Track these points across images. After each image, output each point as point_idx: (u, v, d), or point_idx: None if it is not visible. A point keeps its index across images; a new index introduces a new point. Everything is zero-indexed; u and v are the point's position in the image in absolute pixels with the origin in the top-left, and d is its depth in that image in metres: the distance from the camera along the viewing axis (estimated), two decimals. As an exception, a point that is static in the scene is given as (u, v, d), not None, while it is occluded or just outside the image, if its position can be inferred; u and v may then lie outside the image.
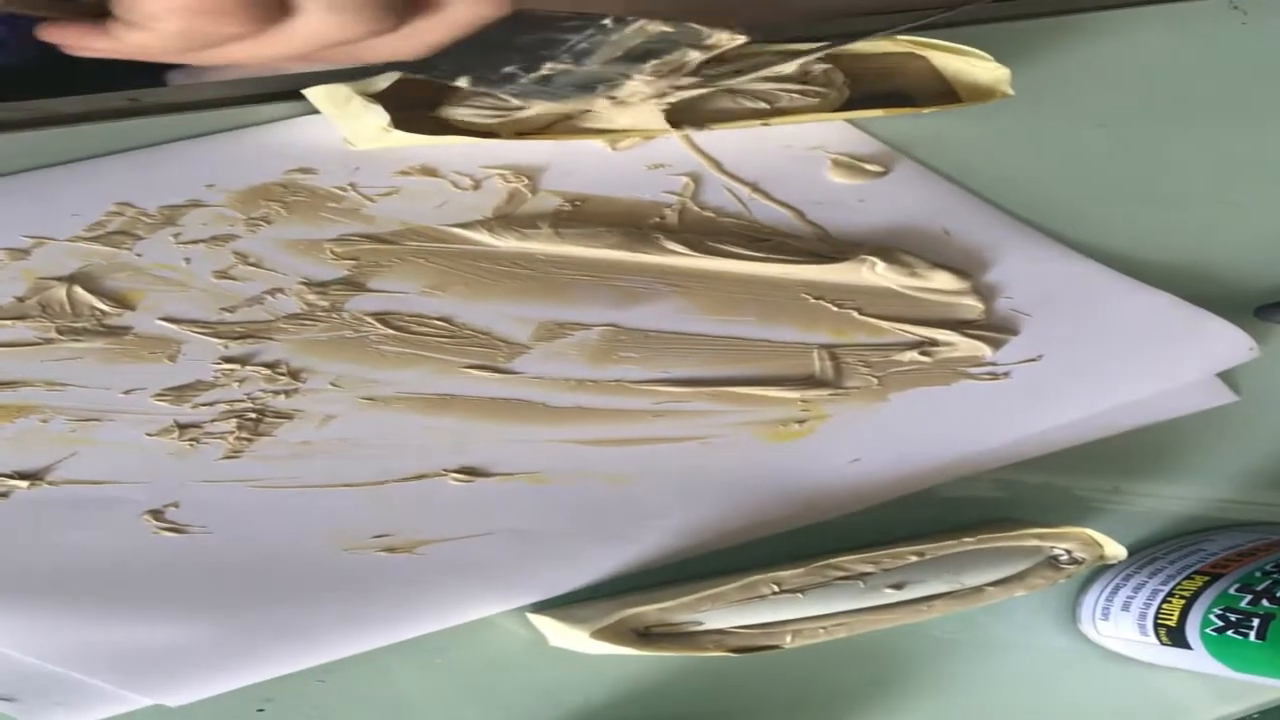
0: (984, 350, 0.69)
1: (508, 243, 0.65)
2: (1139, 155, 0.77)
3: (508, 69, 0.63)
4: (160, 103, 0.63)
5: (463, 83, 0.63)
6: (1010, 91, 0.73)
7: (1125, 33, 0.77)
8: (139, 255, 0.60)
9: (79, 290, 0.58)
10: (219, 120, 0.64)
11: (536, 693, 0.57)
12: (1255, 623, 0.63)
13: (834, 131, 0.73)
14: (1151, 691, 0.65)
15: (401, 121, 0.64)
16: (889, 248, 0.70)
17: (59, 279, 0.58)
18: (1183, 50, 0.75)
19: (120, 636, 0.52)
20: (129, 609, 0.53)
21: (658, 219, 0.68)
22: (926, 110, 0.72)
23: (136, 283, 0.59)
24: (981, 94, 0.74)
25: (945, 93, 0.74)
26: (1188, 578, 0.65)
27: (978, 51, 0.74)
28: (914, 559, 0.62)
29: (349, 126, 0.64)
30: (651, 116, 0.66)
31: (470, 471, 0.59)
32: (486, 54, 0.62)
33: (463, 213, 0.65)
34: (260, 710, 0.54)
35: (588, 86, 0.64)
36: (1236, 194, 0.78)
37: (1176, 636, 0.64)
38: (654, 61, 0.64)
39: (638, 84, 0.64)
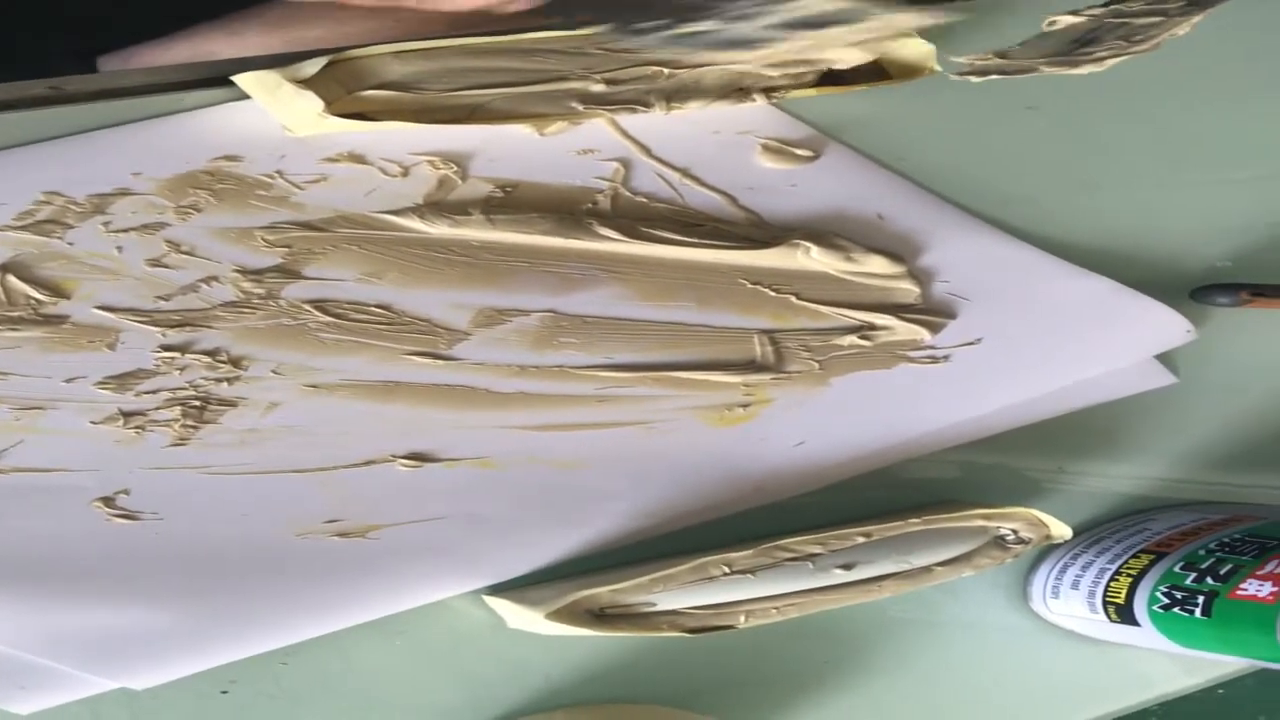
0: (923, 334, 0.77)
1: (440, 229, 0.72)
2: (1072, 138, 0.85)
3: (646, 24, 0.70)
4: (82, 90, 0.70)
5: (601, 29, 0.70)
6: (937, 67, 0.81)
7: (1052, 10, 0.85)
8: (70, 244, 0.67)
9: (12, 279, 0.65)
10: (142, 108, 0.71)
11: (498, 673, 0.65)
12: (1200, 600, 0.72)
13: (761, 115, 0.81)
14: (1106, 667, 0.73)
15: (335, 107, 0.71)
16: (823, 232, 0.78)
17: (-9, 268, 0.65)
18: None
19: (83, 621, 0.60)
20: (89, 594, 0.60)
21: (590, 205, 0.76)
22: (856, 89, 0.80)
23: (70, 271, 0.66)
24: (909, 71, 0.82)
25: (872, 71, 0.82)
26: (1134, 556, 0.74)
27: (902, 27, 0.82)
28: (861, 540, 0.71)
29: (283, 113, 0.71)
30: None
31: (418, 457, 0.67)
32: (636, 8, 0.69)
33: (393, 200, 0.73)
34: (224, 692, 0.61)
35: (727, 45, 0.71)
36: (1171, 177, 0.87)
37: (1125, 614, 0.73)
38: (838, 28, 0.71)
39: (790, 46, 0.71)
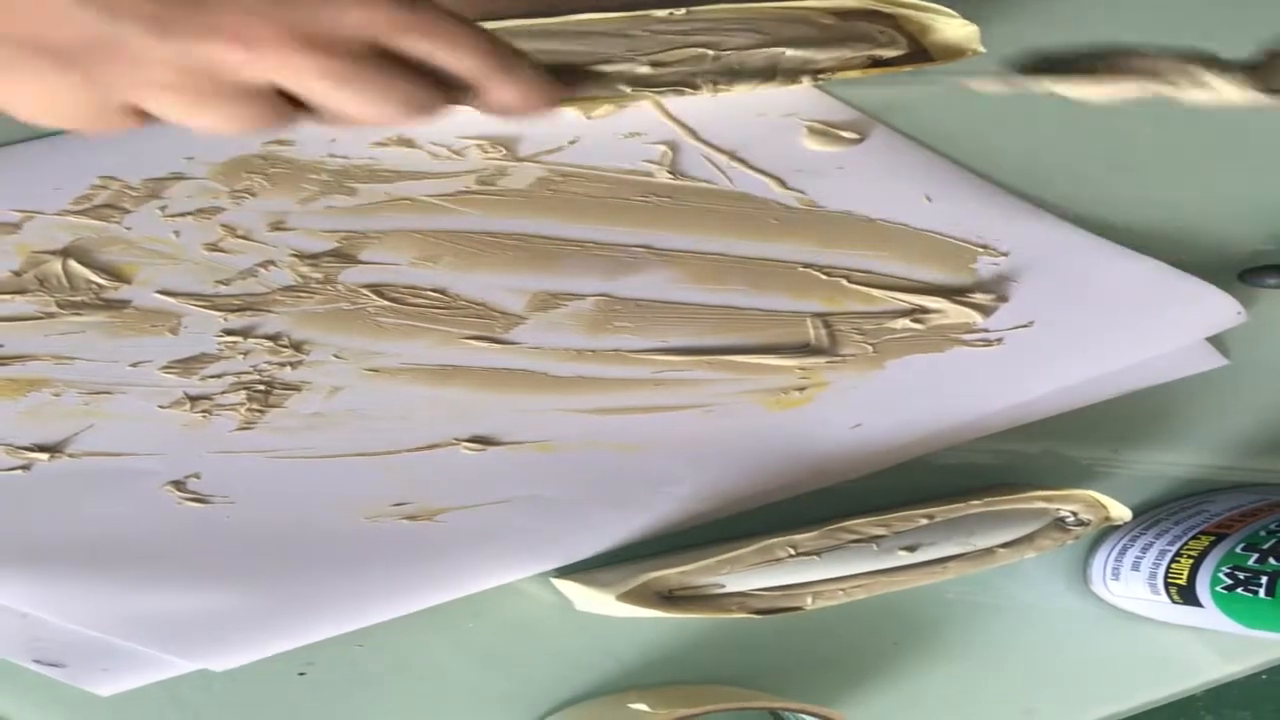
0: (975, 317, 0.80)
1: (492, 214, 0.75)
2: (1116, 118, 0.88)
3: None
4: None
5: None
6: (981, 49, 0.83)
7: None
8: (128, 229, 0.69)
9: (74, 264, 0.68)
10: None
11: (568, 655, 0.68)
12: (1264, 580, 0.75)
13: (806, 98, 0.84)
14: (1160, 650, 0.77)
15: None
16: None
17: (52, 253, 0.68)
18: (1156, 9, 0.87)
19: (161, 604, 0.62)
20: (166, 577, 0.63)
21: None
22: (899, 70, 0.83)
23: (129, 256, 0.69)
24: (952, 52, 0.84)
25: (915, 53, 0.85)
26: (1194, 538, 0.77)
27: (943, 9, 0.84)
28: (924, 522, 0.74)
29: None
30: None
31: (481, 440, 0.70)
32: None
33: (444, 184, 0.76)
34: (302, 674, 0.64)
35: None
36: (1218, 158, 0.90)
37: (1188, 595, 0.76)
38: None
39: None
